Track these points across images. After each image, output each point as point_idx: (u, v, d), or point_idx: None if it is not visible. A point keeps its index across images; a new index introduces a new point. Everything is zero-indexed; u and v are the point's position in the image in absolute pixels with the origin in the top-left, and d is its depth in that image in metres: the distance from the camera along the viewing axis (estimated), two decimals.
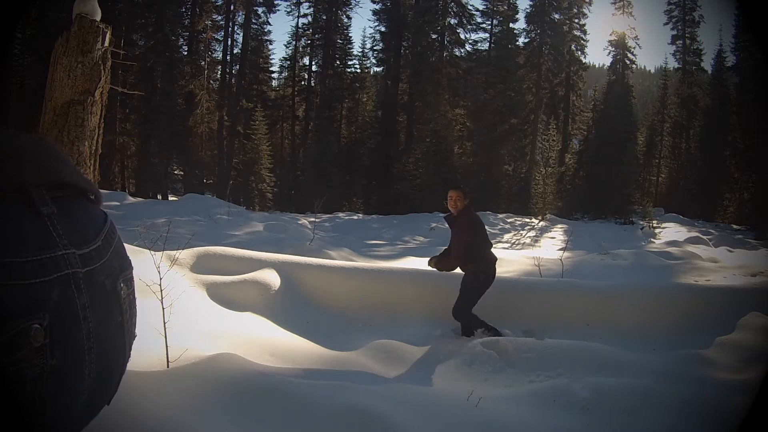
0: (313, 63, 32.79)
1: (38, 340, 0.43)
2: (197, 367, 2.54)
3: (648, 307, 4.97)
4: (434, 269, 4.79)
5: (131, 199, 15.86)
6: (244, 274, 4.80)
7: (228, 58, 31.18)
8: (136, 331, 0.60)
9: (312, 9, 31.72)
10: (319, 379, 2.89)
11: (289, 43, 32.21)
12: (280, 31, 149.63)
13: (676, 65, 31.48)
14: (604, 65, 42.41)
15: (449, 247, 4.79)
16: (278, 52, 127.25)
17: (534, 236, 17.07)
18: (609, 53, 30.90)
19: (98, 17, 5.04)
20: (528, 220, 21.31)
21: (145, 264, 3.07)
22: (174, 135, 26.76)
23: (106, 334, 0.51)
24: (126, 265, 0.57)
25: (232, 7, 30.23)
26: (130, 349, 0.58)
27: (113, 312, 0.52)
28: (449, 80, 29.30)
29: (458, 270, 4.69)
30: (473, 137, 28.92)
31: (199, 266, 4.82)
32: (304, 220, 15.00)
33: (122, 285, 0.54)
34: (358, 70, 32.25)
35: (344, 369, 3.55)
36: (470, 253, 4.53)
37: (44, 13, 20.87)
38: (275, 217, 16.33)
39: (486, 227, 4.93)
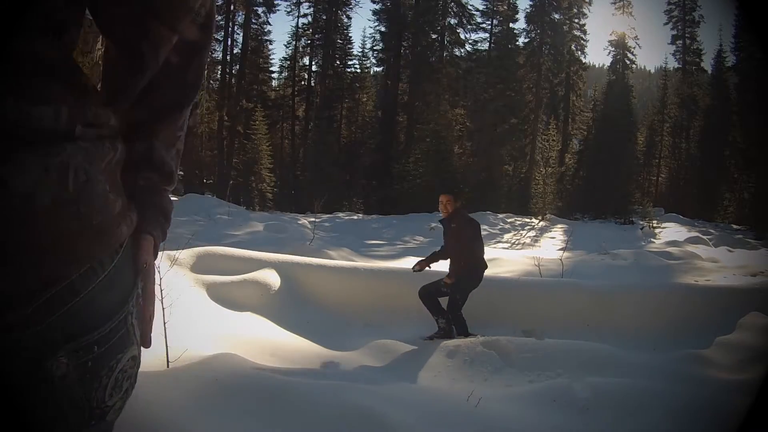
0: (313, 63, 32.81)
1: None
2: (197, 367, 2.54)
3: (648, 307, 4.97)
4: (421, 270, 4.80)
5: None
6: (244, 274, 4.80)
7: (228, 58, 31.18)
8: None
9: (312, 9, 31.72)
10: (319, 379, 2.89)
11: (289, 43, 32.22)
12: (280, 31, 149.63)
13: (676, 65, 31.52)
14: (604, 65, 42.42)
15: (444, 250, 4.79)
16: (278, 52, 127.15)
17: (534, 236, 17.05)
18: (609, 53, 30.95)
19: None
20: (528, 220, 21.29)
21: None
22: None
23: (24, 409, 0.46)
24: (83, 329, 0.48)
25: (232, 7, 30.22)
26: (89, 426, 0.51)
27: (29, 391, 0.45)
28: (449, 80, 29.29)
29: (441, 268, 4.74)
30: (473, 137, 28.89)
31: (199, 266, 4.82)
32: (304, 220, 14.99)
33: (61, 362, 0.46)
34: (358, 70, 32.23)
35: (344, 369, 3.55)
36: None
37: None
38: (275, 217, 16.32)
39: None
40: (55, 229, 0.45)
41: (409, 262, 7.69)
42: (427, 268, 4.82)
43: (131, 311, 0.54)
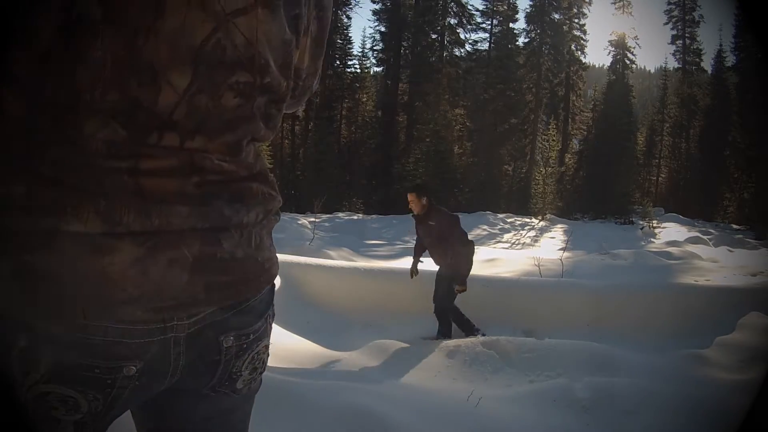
0: None
1: (131, 372, 0.65)
2: None
3: (648, 307, 4.97)
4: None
5: None
6: None
7: None
8: None
9: None
10: (319, 379, 2.89)
11: None
12: None
13: (676, 65, 31.53)
14: (604, 65, 42.44)
15: (420, 244, 4.76)
16: None
17: (534, 236, 17.03)
18: (609, 53, 30.98)
19: None
20: (528, 220, 21.28)
21: None
22: None
23: (196, 368, 0.72)
24: (246, 324, 0.74)
25: None
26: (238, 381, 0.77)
27: (207, 354, 0.72)
28: (449, 80, 29.28)
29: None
30: (473, 137, 28.90)
31: None
32: (304, 220, 15.00)
33: (230, 338, 0.73)
34: (358, 70, 32.23)
35: (344, 369, 3.55)
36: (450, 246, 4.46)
37: None
38: None
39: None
40: (245, 271, 0.72)
41: (409, 262, 7.71)
42: (420, 263, 4.81)
43: (271, 314, 0.81)
